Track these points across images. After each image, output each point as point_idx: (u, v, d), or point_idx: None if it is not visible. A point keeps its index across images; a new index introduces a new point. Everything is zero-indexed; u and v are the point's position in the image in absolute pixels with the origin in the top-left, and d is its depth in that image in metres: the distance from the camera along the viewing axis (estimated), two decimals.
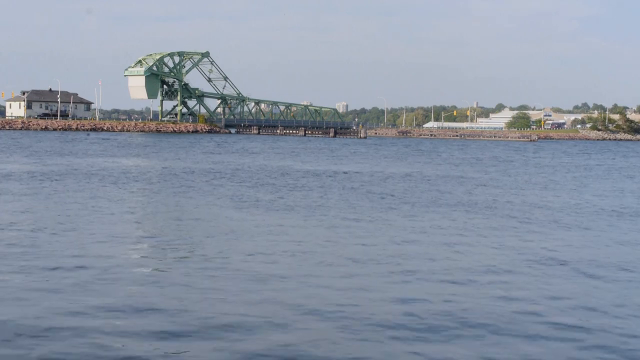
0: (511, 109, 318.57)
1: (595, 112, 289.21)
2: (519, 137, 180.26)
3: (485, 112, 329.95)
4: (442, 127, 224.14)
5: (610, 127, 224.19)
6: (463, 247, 19.89)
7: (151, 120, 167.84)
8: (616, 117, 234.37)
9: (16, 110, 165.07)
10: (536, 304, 13.83)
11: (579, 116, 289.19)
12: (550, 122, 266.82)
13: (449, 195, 34.32)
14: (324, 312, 12.89)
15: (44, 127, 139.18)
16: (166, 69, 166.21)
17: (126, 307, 12.87)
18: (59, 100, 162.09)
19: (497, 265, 17.37)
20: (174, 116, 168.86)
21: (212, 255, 17.82)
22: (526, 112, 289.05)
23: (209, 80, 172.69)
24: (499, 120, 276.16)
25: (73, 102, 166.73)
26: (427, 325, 12.27)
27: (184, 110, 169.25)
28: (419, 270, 16.70)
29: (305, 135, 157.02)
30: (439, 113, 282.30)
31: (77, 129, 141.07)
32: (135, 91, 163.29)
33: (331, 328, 11.98)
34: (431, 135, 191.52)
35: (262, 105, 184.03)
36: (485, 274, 16.45)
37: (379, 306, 13.34)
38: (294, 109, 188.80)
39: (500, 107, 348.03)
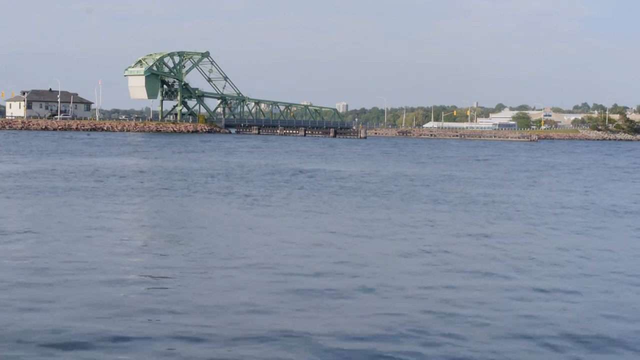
0: (511, 109, 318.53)
1: (595, 112, 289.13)
2: (519, 137, 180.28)
3: (485, 112, 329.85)
4: (442, 127, 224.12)
5: (610, 127, 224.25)
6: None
7: (151, 120, 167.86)
8: (616, 117, 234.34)
9: (16, 110, 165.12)
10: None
11: (579, 116, 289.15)
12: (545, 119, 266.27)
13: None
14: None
15: (44, 127, 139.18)
16: (166, 69, 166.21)
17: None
18: (59, 100, 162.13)
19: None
20: (174, 116, 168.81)
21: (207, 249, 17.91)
22: (526, 112, 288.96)
23: (209, 80, 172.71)
24: (499, 120, 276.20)
25: (73, 102, 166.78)
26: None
27: (184, 110, 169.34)
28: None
29: (305, 135, 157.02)
30: (439, 113, 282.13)
31: (77, 129, 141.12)
32: (135, 91, 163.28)
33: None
34: (431, 135, 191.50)
35: (262, 105, 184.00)
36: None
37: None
38: (294, 109, 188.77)
39: (500, 107, 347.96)
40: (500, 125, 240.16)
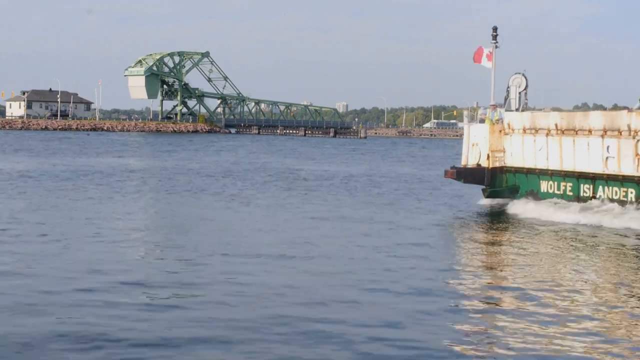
0: None
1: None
2: None
3: None
4: (441, 127, 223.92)
5: None
6: None
7: (151, 120, 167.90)
8: None
9: (16, 110, 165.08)
10: None
11: None
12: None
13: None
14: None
15: (44, 127, 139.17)
16: (166, 69, 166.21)
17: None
18: (59, 100, 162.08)
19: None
20: (174, 116, 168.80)
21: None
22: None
23: (209, 80, 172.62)
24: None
25: (73, 102, 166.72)
26: None
27: (184, 110, 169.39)
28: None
29: (305, 135, 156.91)
30: (439, 113, 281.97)
31: (77, 129, 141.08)
32: (135, 91, 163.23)
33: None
34: (431, 135, 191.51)
35: (262, 105, 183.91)
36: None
37: None
38: (294, 109, 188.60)
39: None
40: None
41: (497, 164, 29.32)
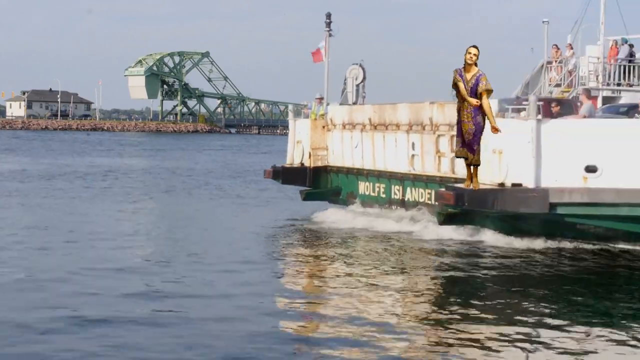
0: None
1: None
2: None
3: None
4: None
5: None
6: None
7: (151, 120, 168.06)
8: None
9: (16, 110, 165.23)
10: None
11: None
12: None
13: None
14: None
15: (44, 127, 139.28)
16: (166, 69, 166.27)
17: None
18: (59, 100, 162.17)
19: None
20: (174, 116, 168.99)
21: None
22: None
23: (209, 80, 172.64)
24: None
25: (73, 102, 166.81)
26: None
27: (184, 110, 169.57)
28: None
29: None
30: None
31: (77, 129, 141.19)
32: (135, 91, 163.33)
33: None
34: None
35: (262, 105, 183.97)
36: None
37: None
38: None
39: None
40: None
41: (319, 163, 25.64)
